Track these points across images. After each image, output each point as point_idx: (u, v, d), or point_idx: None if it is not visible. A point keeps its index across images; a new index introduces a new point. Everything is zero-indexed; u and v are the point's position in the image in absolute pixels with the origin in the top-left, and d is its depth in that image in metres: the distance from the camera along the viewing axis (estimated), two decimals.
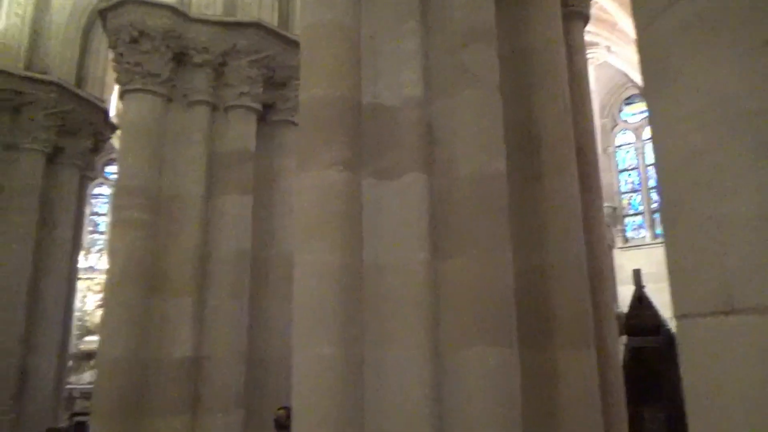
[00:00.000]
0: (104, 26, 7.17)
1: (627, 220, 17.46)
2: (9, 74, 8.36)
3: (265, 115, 7.42)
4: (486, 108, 3.62)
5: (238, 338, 6.25)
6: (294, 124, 7.57)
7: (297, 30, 7.10)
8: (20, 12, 8.87)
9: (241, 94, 7.04)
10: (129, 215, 6.23)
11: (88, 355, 15.15)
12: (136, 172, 6.42)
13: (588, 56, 7.65)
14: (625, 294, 9.46)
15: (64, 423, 8.64)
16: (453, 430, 3.14)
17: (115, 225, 6.39)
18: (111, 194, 19.72)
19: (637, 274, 6.96)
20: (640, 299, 6.79)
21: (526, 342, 3.32)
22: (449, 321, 3.31)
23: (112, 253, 6.24)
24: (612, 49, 14.85)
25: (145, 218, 6.25)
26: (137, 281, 6.02)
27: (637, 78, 13.88)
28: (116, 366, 5.76)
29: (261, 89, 7.19)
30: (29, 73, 8.58)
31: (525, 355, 3.28)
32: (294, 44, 7.21)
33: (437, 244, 3.45)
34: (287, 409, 5.61)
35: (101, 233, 18.39)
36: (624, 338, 6.55)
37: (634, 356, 6.25)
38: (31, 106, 8.53)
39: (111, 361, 5.81)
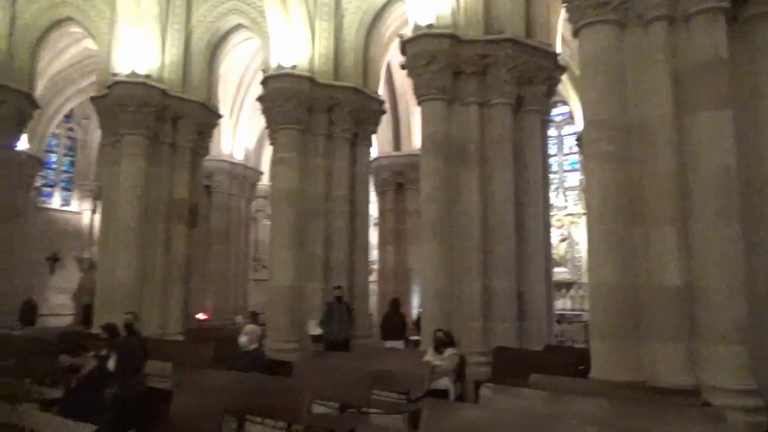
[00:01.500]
0: None
1: None
2: (475, 42, 9.62)
3: (734, 13, 6.39)
4: None
5: (731, 266, 5.72)
6: None
7: None
8: None
9: None
10: (599, 148, 6.43)
11: (557, 285, 16.57)
12: (601, 105, 6.55)
13: None
14: None
15: (553, 341, 9.77)
16: None
17: (588, 159, 6.69)
18: (557, 135, 20.78)
19: None
20: None
21: None
22: None
23: (589, 187, 6.58)
24: None
25: (614, 149, 6.34)
26: (616, 211, 6.20)
27: None
28: (605, 291, 6.12)
29: None
30: (489, 36, 9.68)
31: None
32: None
33: None
34: None
35: (554, 173, 19.57)
36: None
37: None
38: (494, 66, 9.61)
39: (600, 286, 6.21)
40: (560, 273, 17.30)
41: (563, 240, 18.73)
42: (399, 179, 17.84)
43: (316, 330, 10.33)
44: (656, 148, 6.23)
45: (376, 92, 13.19)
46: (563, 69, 10.90)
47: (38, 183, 21.27)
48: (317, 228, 11.64)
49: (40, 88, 14.72)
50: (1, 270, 12.55)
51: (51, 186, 23.21)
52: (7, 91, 12.55)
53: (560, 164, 20.89)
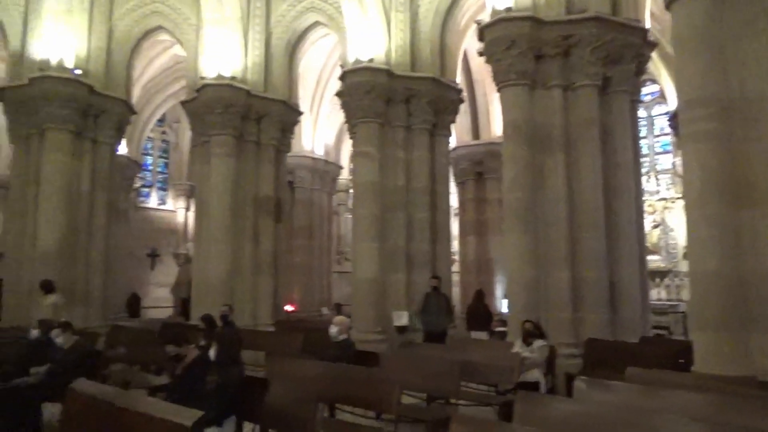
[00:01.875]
0: None
1: None
2: (556, 22, 9.26)
3: None
4: None
5: None
6: None
7: None
8: None
9: None
10: (697, 127, 6.03)
11: (651, 274, 15.72)
12: (698, 81, 6.14)
13: None
14: None
15: (649, 332, 9.29)
16: None
17: (685, 140, 6.28)
18: (647, 116, 19.69)
19: None
20: None
21: None
22: None
23: (687, 169, 6.19)
24: None
25: (715, 128, 5.92)
26: (718, 194, 5.79)
27: None
28: (708, 279, 5.74)
29: None
30: (572, 16, 9.28)
31: None
32: None
33: None
34: None
35: (644, 156, 18.61)
36: None
37: None
38: (578, 47, 9.21)
39: (701, 274, 5.83)
40: (654, 261, 16.43)
41: (656, 226, 17.76)
42: (478, 168, 17.58)
43: (400, 321, 10.41)
44: (764, 124, 5.75)
45: (454, 81, 13.03)
46: (653, 45, 10.29)
47: (137, 184, 22.77)
48: (399, 220, 11.69)
49: (135, 95, 15.68)
50: (109, 266, 13.52)
51: (148, 186, 24.78)
52: (108, 100, 13.47)
53: (651, 147, 19.80)
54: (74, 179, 12.70)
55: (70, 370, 5.91)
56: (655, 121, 19.97)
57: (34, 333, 7.46)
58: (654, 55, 11.98)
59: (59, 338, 6.78)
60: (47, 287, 10.18)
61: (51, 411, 5.89)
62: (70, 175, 12.56)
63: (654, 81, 17.92)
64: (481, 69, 16.67)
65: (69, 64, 12.62)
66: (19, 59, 12.90)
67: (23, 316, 11.19)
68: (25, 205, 12.43)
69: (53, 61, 12.43)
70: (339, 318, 7.15)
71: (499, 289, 16.22)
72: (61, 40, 12.58)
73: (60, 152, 12.38)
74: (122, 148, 17.23)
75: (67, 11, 12.69)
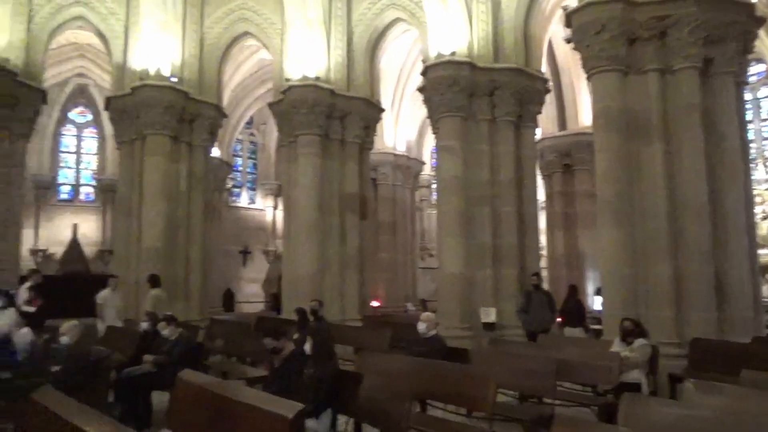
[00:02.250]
0: None
1: None
2: (651, 3, 8.74)
3: None
4: None
5: None
6: None
7: None
8: None
9: None
10: None
11: (762, 269, 14.53)
12: None
13: None
14: None
15: (763, 332, 8.58)
16: None
17: None
18: (753, 98, 18.22)
19: None
20: None
21: None
22: None
23: None
24: None
25: None
26: None
27: None
28: None
29: None
30: None
31: None
32: None
33: None
34: None
35: (751, 141, 17.24)
36: None
37: None
38: (675, 27, 8.65)
39: None
40: (765, 255, 15.19)
41: (766, 217, 16.42)
42: (566, 160, 16.98)
43: (488, 317, 10.24)
44: None
45: (539, 70, 12.62)
46: (761, 21, 9.45)
47: (228, 184, 23.86)
48: (484, 214, 11.49)
49: (225, 99, 16.40)
50: (205, 263, 14.24)
51: (239, 187, 25.90)
52: (202, 105, 14.18)
53: (758, 132, 18.31)
54: (173, 181, 13.49)
55: (177, 361, 6.27)
56: (762, 104, 18.46)
57: (144, 325, 7.98)
58: (761, 32, 11.00)
59: (165, 330, 7.22)
60: (154, 281, 10.88)
61: (160, 399, 6.29)
62: (169, 176, 13.36)
63: (761, 60, 16.55)
64: (567, 57, 16.09)
65: (166, 72, 13.40)
66: (121, 71, 13.88)
67: (131, 310, 12.03)
68: (130, 205, 13.37)
69: (151, 71, 13.25)
70: (427, 314, 7.13)
71: (590, 286, 15.60)
72: (158, 50, 13.39)
73: (159, 155, 13.20)
74: (214, 151, 18.07)
75: (163, 22, 13.48)
